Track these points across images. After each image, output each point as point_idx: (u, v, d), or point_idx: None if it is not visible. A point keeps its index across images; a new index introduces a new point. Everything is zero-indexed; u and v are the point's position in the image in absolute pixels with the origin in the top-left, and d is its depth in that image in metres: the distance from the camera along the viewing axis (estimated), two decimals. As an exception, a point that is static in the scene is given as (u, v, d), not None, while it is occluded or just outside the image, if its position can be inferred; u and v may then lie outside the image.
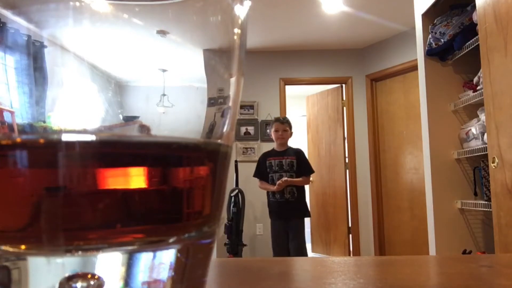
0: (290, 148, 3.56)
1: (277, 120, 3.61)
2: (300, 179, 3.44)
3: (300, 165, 3.48)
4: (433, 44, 2.71)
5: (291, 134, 3.58)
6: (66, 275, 0.16)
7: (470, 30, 2.47)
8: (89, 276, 0.16)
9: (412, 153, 4.50)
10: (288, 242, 3.45)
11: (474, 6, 2.22)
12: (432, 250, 2.75)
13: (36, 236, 0.16)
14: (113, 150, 0.17)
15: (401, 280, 0.33)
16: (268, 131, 4.97)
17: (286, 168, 3.45)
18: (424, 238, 3.03)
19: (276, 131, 3.52)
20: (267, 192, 3.57)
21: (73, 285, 0.16)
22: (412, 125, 4.37)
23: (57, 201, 0.16)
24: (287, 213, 3.41)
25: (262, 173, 3.56)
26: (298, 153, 3.56)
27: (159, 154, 0.18)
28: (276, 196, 3.45)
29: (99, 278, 0.16)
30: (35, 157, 0.16)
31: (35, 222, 0.16)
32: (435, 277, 0.36)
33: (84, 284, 0.16)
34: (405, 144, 4.61)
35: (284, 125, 3.52)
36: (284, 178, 3.38)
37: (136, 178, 0.18)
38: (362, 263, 0.41)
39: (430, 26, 2.76)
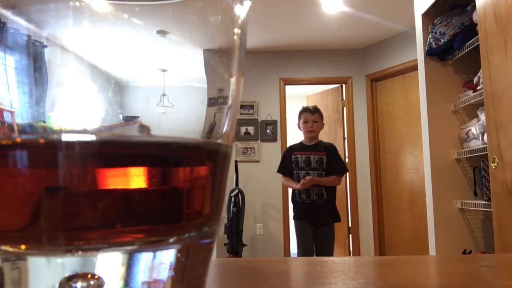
0: (322, 142, 3.05)
1: (306, 109, 3.06)
2: (329, 178, 2.93)
3: (330, 162, 2.96)
4: (433, 44, 2.71)
5: (322, 125, 3.08)
6: (66, 275, 0.16)
7: (470, 30, 2.47)
8: (89, 276, 0.16)
9: (412, 153, 4.50)
10: (314, 241, 3.01)
11: (474, 6, 2.22)
12: (432, 250, 2.75)
13: (36, 236, 0.16)
14: (113, 150, 0.17)
15: (401, 280, 0.33)
16: (266, 127, 5.00)
17: (314, 165, 2.95)
18: (424, 238, 3.03)
19: (305, 122, 2.99)
20: (293, 191, 3.08)
21: (73, 285, 0.16)
22: (412, 125, 4.37)
23: (57, 201, 0.16)
24: (314, 217, 2.93)
25: (286, 168, 3.06)
26: (330, 148, 3.03)
27: (159, 154, 0.18)
28: (302, 196, 2.96)
29: (99, 278, 0.16)
30: (35, 157, 0.16)
31: (35, 222, 0.16)
32: (435, 277, 0.36)
33: (84, 284, 0.16)
34: (405, 144, 4.60)
35: (315, 116, 3.00)
36: (309, 177, 2.89)
37: (136, 178, 0.18)
38: (362, 263, 0.41)
39: (430, 26, 2.76)
